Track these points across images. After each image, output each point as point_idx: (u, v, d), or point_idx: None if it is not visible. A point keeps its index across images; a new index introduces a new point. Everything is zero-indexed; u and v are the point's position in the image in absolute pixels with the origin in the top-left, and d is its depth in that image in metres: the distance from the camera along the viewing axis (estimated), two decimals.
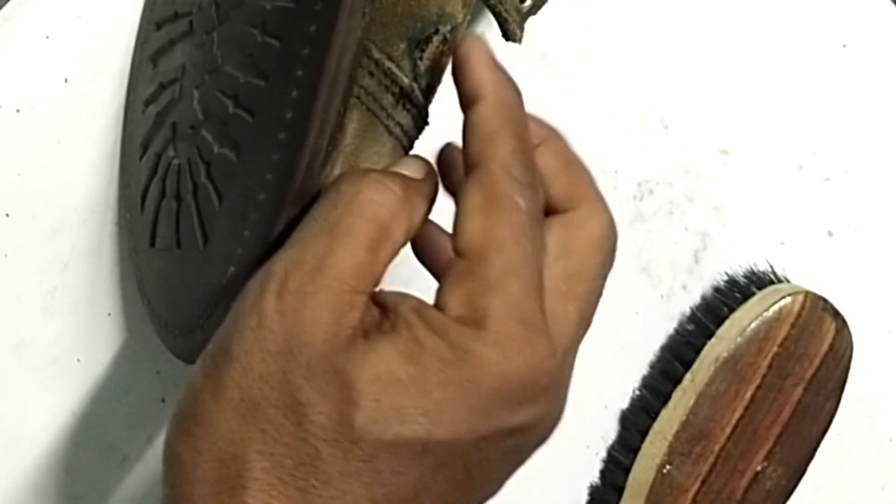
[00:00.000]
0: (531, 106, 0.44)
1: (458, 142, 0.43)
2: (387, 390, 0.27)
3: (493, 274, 0.28)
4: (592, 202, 0.32)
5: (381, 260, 0.28)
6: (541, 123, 0.33)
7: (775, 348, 0.44)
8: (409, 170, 0.31)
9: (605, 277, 0.33)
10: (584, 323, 0.31)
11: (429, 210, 0.31)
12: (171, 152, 0.35)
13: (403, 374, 0.27)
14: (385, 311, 0.28)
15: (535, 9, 0.37)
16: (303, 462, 0.27)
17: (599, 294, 0.32)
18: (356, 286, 0.28)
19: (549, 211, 0.32)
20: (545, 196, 0.31)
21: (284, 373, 0.27)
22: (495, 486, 0.30)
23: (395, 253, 0.29)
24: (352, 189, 0.29)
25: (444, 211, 0.32)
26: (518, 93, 0.32)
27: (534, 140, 0.32)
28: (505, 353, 0.27)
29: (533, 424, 0.29)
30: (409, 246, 0.32)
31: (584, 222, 0.32)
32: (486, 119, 0.30)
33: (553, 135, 0.33)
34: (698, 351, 0.44)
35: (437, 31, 0.34)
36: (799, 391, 0.44)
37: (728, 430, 0.44)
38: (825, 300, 0.44)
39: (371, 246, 0.28)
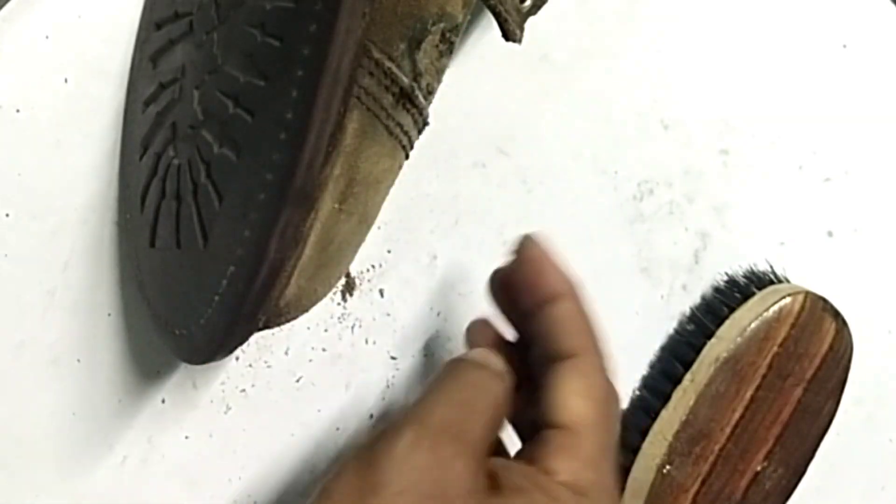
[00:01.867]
0: (531, 106, 0.44)
1: (459, 142, 0.43)
2: None
3: (592, 453, 0.33)
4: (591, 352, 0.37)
5: (494, 435, 0.33)
6: (565, 278, 0.37)
7: (775, 348, 0.44)
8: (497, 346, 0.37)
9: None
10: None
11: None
12: (171, 152, 0.35)
13: None
14: (494, 476, 0.32)
15: (535, 9, 0.37)
16: None
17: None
18: (483, 453, 0.32)
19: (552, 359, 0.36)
20: (553, 343, 0.36)
21: None
22: None
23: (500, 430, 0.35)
24: (479, 375, 0.34)
25: None
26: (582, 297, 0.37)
27: (555, 291, 0.37)
28: None
29: None
30: None
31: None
32: (575, 315, 0.36)
33: (571, 292, 0.37)
34: (698, 351, 0.44)
35: (437, 32, 0.34)
36: (799, 391, 0.44)
37: (728, 430, 0.44)
38: (825, 300, 0.44)
39: (494, 424, 0.33)
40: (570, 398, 0.34)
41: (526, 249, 0.37)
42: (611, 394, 0.35)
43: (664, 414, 0.44)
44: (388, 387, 0.43)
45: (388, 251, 0.43)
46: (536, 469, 0.33)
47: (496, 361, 0.35)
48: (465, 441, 0.32)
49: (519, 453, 0.35)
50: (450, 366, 0.35)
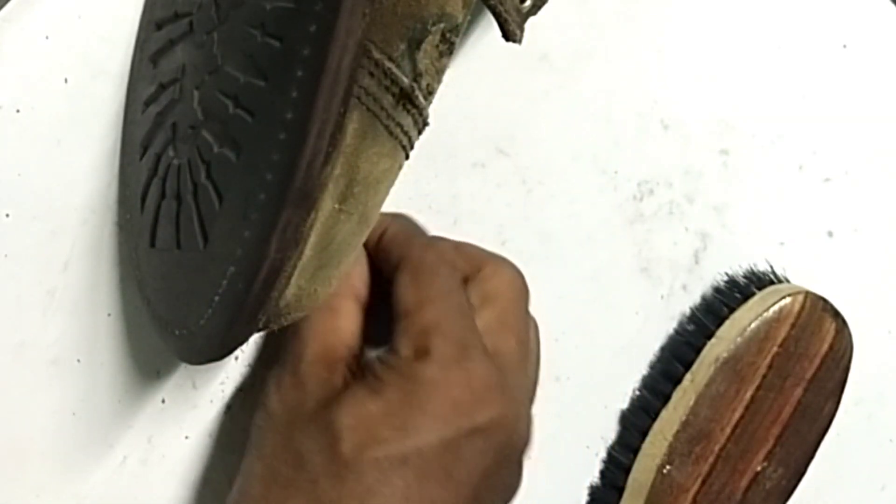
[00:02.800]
0: (531, 106, 0.44)
1: (459, 142, 0.43)
2: (362, 422, 0.34)
3: (429, 319, 0.36)
4: (491, 260, 0.40)
5: (340, 355, 0.37)
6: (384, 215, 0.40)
7: (775, 348, 0.44)
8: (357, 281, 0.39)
9: (526, 309, 0.40)
10: (524, 346, 0.39)
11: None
12: (171, 152, 0.35)
13: (373, 406, 0.34)
14: (357, 365, 0.36)
15: (535, 9, 0.37)
16: (309, 498, 0.33)
17: (528, 324, 0.40)
18: (331, 364, 0.36)
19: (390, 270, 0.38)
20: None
21: (289, 440, 0.35)
22: (483, 487, 0.36)
23: (353, 341, 0.38)
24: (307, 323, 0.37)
25: None
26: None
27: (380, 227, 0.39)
28: (448, 369, 0.35)
29: (493, 423, 0.35)
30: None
31: (492, 275, 0.39)
32: (394, 235, 0.39)
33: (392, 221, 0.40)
34: (698, 351, 0.44)
35: (437, 32, 0.34)
36: (799, 391, 0.44)
37: (728, 430, 0.44)
38: (825, 300, 0.44)
39: (327, 353, 0.37)
40: (402, 293, 0.37)
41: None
42: (445, 276, 0.37)
43: (664, 414, 0.44)
44: None
45: None
46: (385, 351, 0.36)
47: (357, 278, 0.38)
48: (307, 367, 0.36)
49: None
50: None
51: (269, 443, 0.35)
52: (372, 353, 0.37)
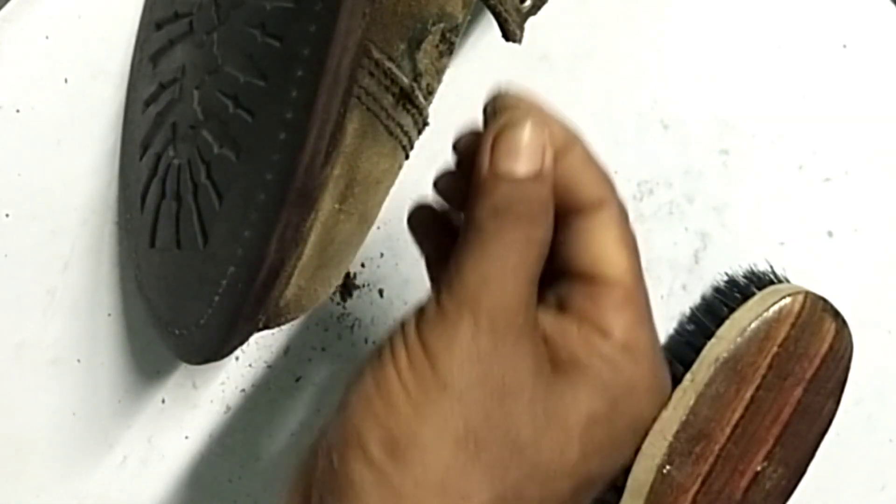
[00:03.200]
0: None
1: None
2: (592, 429, 0.30)
3: (641, 306, 0.32)
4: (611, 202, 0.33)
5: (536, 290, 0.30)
6: (566, 128, 0.34)
7: (775, 348, 0.44)
8: (531, 161, 0.31)
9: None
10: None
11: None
12: (171, 152, 0.35)
13: (600, 411, 0.30)
14: (549, 341, 0.30)
15: (535, 9, 0.37)
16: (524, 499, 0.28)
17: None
18: (535, 318, 0.30)
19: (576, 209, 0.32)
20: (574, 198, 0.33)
21: (507, 413, 0.28)
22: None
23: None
24: (516, 230, 0.30)
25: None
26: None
27: (562, 143, 0.33)
28: (652, 368, 0.32)
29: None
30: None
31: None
32: (589, 162, 0.33)
33: (578, 139, 0.34)
34: (698, 351, 0.44)
35: (437, 32, 0.34)
36: (799, 391, 0.44)
37: (728, 430, 0.44)
38: (825, 300, 0.44)
39: (535, 281, 0.30)
40: (613, 249, 0.31)
41: (515, 105, 0.32)
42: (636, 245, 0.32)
43: (664, 414, 0.44)
44: None
45: (388, 251, 0.43)
46: (589, 329, 0.30)
47: (541, 209, 0.31)
48: (523, 316, 0.29)
49: (560, 306, 0.31)
50: (484, 219, 0.29)
51: (478, 401, 0.28)
52: (556, 325, 0.31)
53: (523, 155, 0.30)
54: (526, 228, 0.29)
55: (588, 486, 0.31)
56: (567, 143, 0.32)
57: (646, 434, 0.34)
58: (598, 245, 0.31)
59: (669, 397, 0.44)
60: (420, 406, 0.28)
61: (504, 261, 0.29)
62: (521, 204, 0.30)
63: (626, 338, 0.31)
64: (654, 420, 0.35)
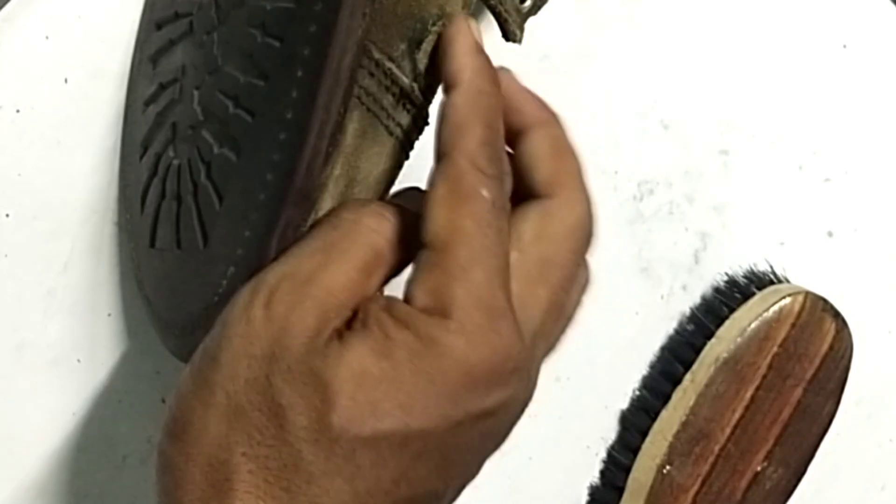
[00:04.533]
0: None
1: None
2: (361, 387, 0.28)
3: (457, 264, 0.29)
4: (572, 191, 0.32)
5: (372, 283, 0.30)
6: (542, 107, 0.33)
7: (775, 348, 0.44)
8: (410, 203, 0.32)
9: (578, 265, 0.33)
10: (557, 308, 0.32)
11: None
12: (171, 153, 0.35)
13: (376, 369, 0.28)
14: (356, 311, 0.29)
15: (535, 9, 0.37)
16: (286, 463, 0.28)
17: (574, 281, 0.33)
18: (344, 301, 0.29)
19: (530, 195, 0.32)
20: (529, 179, 0.32)
21: (267, 377, 0.28)
22: (474, 468, 0.31)
23: (388, 278, 0.31)
24: (351, 216, 0.30)
25: None
26: (495, 82, 0.32)
27: (529, 121, 0.33)
28: (471, 341, 0.28)
29: (503, 406, 0.30)
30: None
31: (559, 210, 0.32)
32: (457, 108, 0.31)
33: (549, 120, 0.33)
34: (698, 351, 0.44)
35: (437, 32, 0.34)
36: (799, 391, 0.44)
37: (728, 430, 0.44)
38: (825, 300, 0.44)
39: (364, 268, 0.30)
40: (433, 210, 0.30)
41: (444, 29, 0.32)
42: (490, 203, 0.30)
43: (664, 414, 0.44)
44: None
45: None
46: (394, 300, 0.30)
47: (410, 201, 0.31)
48: (318, 287, 0.28)
49: None
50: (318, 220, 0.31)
51: (243, 369, 0.28)
52: (373, 299, 0.30)
53: None
54: (351, 223, 0.30)
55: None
56: (534, 122, 0.33)
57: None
58: (429, 205, 0.30)
59: (669, 397, 0.44)
60: (195, 383, 0.29)
61: (330, 240, 0.30)
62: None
63: (432, 305, 0.29)
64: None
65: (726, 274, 0.47)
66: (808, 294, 0.44)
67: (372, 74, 0.32)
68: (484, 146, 0.31)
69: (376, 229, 0.30)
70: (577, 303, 0.34)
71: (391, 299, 0.30)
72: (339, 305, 0.29)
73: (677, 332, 0.46)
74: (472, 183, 0.30)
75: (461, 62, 0.31)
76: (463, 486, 0.31)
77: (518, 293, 0.30)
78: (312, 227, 0.31)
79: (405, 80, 0.33)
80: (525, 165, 0.33)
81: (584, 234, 0.33)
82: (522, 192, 0.32)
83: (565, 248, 0.32)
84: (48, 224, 0.39)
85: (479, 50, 0.32)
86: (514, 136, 0.33)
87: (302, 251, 0.30)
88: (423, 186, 0.43)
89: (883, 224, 0.49)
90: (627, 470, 0.45)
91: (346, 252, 0.29)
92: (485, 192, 0.30)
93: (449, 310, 0.29)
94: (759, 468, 0.44)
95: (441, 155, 0.31)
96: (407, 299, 0.30)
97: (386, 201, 0.32)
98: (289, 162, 0.29)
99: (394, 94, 0.33)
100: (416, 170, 0.42)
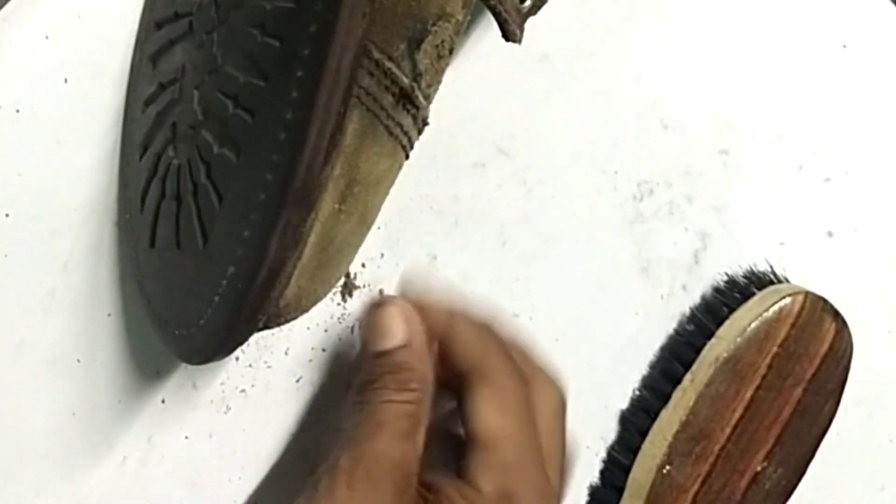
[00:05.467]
0: (531, 106, 0.44)
1: (459, 142, 0.43)
2: None
3: (513, 461, 0.36)
4: (539, 374, 0.40)
5: (418, 443, 0.36)
6: (446, 310, 0.39)
7: (775, 348, 0.44)
8: (399, 334, 0.37)
9: (563, 430, 0.41)
10: (556, 481, 0.39)
11: (429, 362, 0.38)
12: (170, 152, 0.35)
13: None
14: (430, 488, 0.35)
15: (535, 9, 0.37)
16: None
17: (563, 444, 0.41)
18: (406, 470, 0.35)
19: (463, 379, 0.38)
20: None
21: None
22: None
23: (424, 431, 0.36)
24: (383, 396, 0.36)
25: None
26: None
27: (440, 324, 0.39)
28: None
29: None
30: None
31: (539, 391, 0.39)
32: (467, 335, 0.38)
33: (458, 318, 0.39)
34: (698, 351, 0.44)
35: (437, 32, 0.34)
36: (799, 391, 0.44)
37: (728, 430, 0.44)
38: (825, 300, 0.44)
39: (409, 436, 0.35)
40: (483, 412, 0.37)
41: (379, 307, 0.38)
42: (522, 402, 0.38)
43: (664, 414, 0.44)
44: None
45: (388, 251, 0.43)
46: (464, 484, 0.36)
47: (408, 375, 0.37)
48: (384, 464, 0.34)
49: (458, 465, 0.38)
50: (361, 393, 0.36)
51: None
52: (442, 480, 0.36)
53: (384, 334, 0.37)
54: (393, 394, 0.36)
55: None
56: (445, 325, 0.38)
57: None
58: (477, 412, 0.37)
59: (669, 397, 0.44)
60: None
61: (375, 421, 0.35)
62: (387, 373, 0.36)
63: (498, 489, 0.36)
64: None
65: (726, 274, 0.47)
66: (808, 294, 0.44)
67: (372, 74, 0.32)
68: (507, 358, 0.38)
69: (408, 400, 0.36)
70: (567, 467, 0.42)
71: (463, 484, 0.36)
72: (404, 476, 0.34)
73: (677, 332, 0.46)
74: (511, 391, 0.38)
75: (438, 311, 0.39)
76: None
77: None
78: (358, 395, 0.36)
79: (405, 80, 0.33)
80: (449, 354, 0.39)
81: (563, 404, 0.41)
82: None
83: (553, 427, 0.40)
84: (48, 224, 0.39)
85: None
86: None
87: (359, 435, 0.35)
88: (426, 187, 0.43)
89: (883, 224, 0.49)
90: (627, 470, 0.45)
91: (393, 429, 0.35)
92: (520, 396, 0.38)
93: (513, 497, 0.36)
94: (759, 468, 0.44)
95: (476, 368, 0.38)
96: (474, 486, 0.36)
97: (407, 368, 0.37)
98: (289, 162, 0.29)
99: (394, 95, 0.33)
100: (417, 170, 0.42)
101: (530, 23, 0.37)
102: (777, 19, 0.47)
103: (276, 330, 0.40)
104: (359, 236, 0.36)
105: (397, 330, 0.37)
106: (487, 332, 0.39)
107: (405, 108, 0.34)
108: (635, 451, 0.45)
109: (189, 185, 0.33)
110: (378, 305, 0.38)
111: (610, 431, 0.46)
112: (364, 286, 0.42)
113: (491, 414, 0.37)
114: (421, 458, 0.36)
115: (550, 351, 0.45)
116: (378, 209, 0.36)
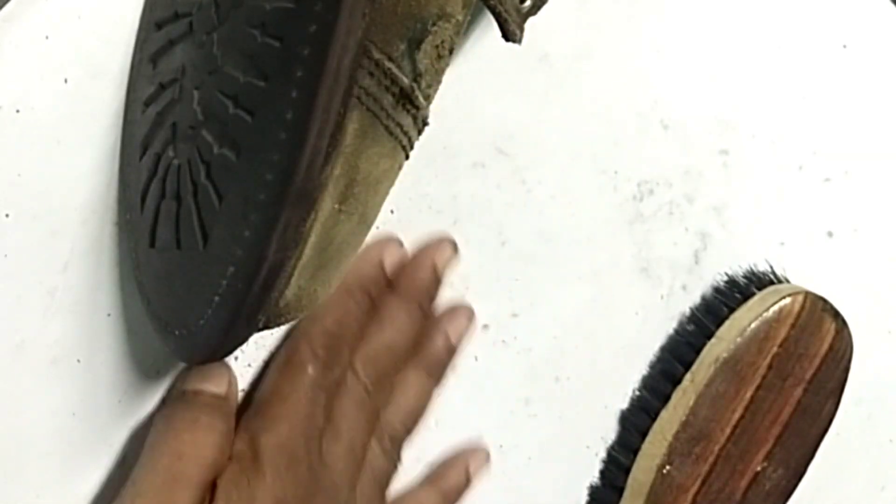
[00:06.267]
0: (531, 106, 0.44)
1: (459, 142, 0.43)
2: None
3: (269, 417, 0.37)
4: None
5: (221, 458, 0.36)
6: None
7: (775, 348, 0.44)
8: (216, 386, 0.38)
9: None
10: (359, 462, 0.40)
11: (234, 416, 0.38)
12: (170, 153, 0.35)
13: None
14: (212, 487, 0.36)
15: (535, 9, 0.37)
16: None
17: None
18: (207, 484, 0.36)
19: None
20: None
21: None
22: None
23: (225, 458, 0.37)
24: (173, 447, 0.36)
25: None
26: (366, 297, 0.40)
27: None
28: (276, 480, 0.36)
29: None
30: None
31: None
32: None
33: None
34: (698, 351, 0.44)
35: (437, 32, 0.34)
36: (799, 391, 0.44)
37: (728, 430, 0.44)
38: (825, 300, 0.44)
39: (206, 481, 0.36)
40: (267, 374, 0.39)
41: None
42: (318, 371, 0.38)
43: (664, 414, 0.44)
44: None
45: None
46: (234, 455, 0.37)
47: (217, 383, 0.38)
48: (183, 489, 0.35)
49: None
50: (160, 417, 0.38)
51: None
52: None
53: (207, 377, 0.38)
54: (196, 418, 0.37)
55: None
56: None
57: None
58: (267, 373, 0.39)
59: (669, 397, 0.44)
60: None
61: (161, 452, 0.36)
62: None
63: (246, 447, 0.37)
64: None
65: (726, 274, 0.47)
66: (808, 294, 0.44)
67: (372, 74, 0.32)
68: (323, 335, 0.39)
69: (206, 445, 0.36)
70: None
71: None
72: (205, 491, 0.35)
73: (677, 332, 0.46)
74: (301, 359, 0.38)
75: (352, 270, 0.39)
76: None
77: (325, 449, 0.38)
78: (157, 421, 0.38)
79: (405, 81, 0.33)
80: None
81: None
82: None
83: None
84: (48, 224, 0.39)
85: (378, 265, 0.40)
86: None
87: (152, 466, 0.36)
88: (426, 187, 0.43)
89: (883, 224, 0.49)
90: (627, 470, 0.45)
91: (189, 482, 0.36)
92: (310, 369, 0.38)
93: (259, 454, 0.36)
94: (759, 468, 0.44)
95: (294, 334, 0.39)
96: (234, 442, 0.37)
97: (201, 406, 0.38)
98: (289, 162, 0.29)
99: (394, 95, 0.33)
100: (416, 170, 0.42)
101: (530, 23, 0.37)
102: (777, 19, 0.47)
103: (275, 330, 0.41)
104: (359, 236, 0.36)
105: (220, 381, 0.38)
106: (346, 310, 0.39)
107: (405, 109, 0.34)
108: (635, 451, 0.45)
109: (189, 185, 0.33)
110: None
111: (610, 431, 0.46)
112: None
113: (274, 372, 0.38)
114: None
115: (550, 351, 0.45)
116: (378, 209, 0.36)
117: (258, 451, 0.37)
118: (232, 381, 0.39)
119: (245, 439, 0.37)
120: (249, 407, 0.38)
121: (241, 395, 0.41)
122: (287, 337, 0.40)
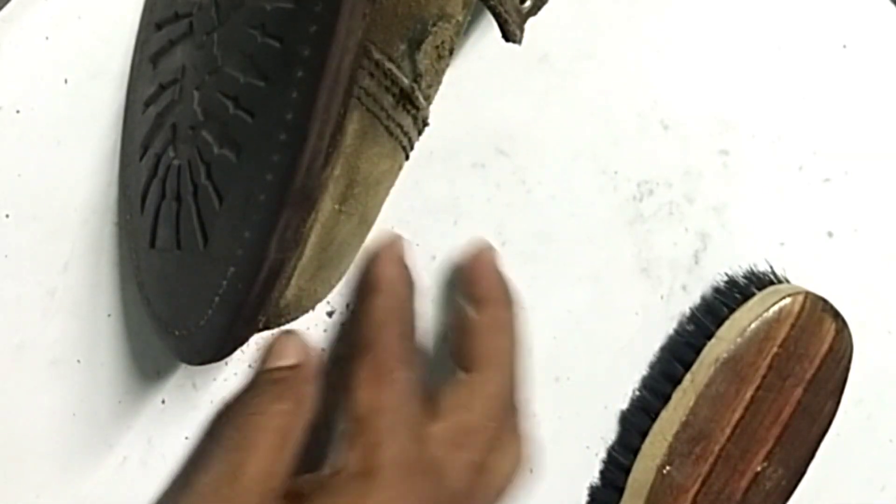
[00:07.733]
0: (531, 106, 0.44)
1: (458, 142, 0.43)
2: None
3: (380, 432, 0.35)
4: (494, 368, 0.38)
5: (285, 458, 0.34)
6: (497, 287, 0.40)
7: (775, 349, 0.44)
8: (292, 356, 0.36)
9: (501, 431, 0.38)
10: (478, 469, 0.37)
11: (314, 386, 0.36)
12: (171, 153, 0.35)
13: None
14: (293, 496, 0.34)
15: (535, 9, 0.37)
16: None
17: (496, 446, 0.38)
18: (268, 485, 0.33)
19: (462, 367, 0.38)
20: (461, 354, 0.39)
21: None
22: None
23: (298, 442, 0.35)
24: (251, 409, 0.34)
25: None
26: (410, 286, 0.39)
27: (481, 297, 0.39)
28: (395, 495, 0.34)
29: None
30: None
31: (478, 383, 0.38)
32: (378, 308, 0.37)
33: (498, 300, 0.40)
34: (698, 351, 0.44)
35: (437, 32, 0.34)
36: (799, 391, 0.44)
37: (728, 430, 0.44)
38: (825, 300, 0.44)
39: (276, 450, 0.33)
40: (357, 391, 0.36)
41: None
42: (406, 374, 0.36)
43: (664, 414, 0.44)
44: None
45: None
46: (325, 470, 0.35)
47: (292, 353, 0.36)
48: (244, 483, 0.33)
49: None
50: (223, 416, 0.35)
51: None
52: (305, 479, 0.35)
53: (274, 354, 0.36)
54: (264, 405, 0.34)
55: None
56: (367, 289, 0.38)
57: None
58: (350, 384, 0.36)
59: (669, 397, 0.44)
60: None
61: (240, 436, 0.34)
62: (262, 386, 0.35)
63: (360, 467, 0.34)
64: None
65: (726, 274, 0.47)
66: (808, 294, 0.44)
67: (372, 75, 0.32)
68: (401, 339, 0.37)
69: (277, 411, 0.34)
70: (509, 471, 0.39)
71: (324, 477, 0.35)
72: (262, 492, 0.33)
73: (677, 332, 0.46)
74: (390, 368, 0.36)
75: (383, 271, 0.38)
76: None
77: (440, 457, 0.36)
78: (220, 419, 0.35)
79: (405, 81, 0.33)
80: (460, 341, 0.39)
81: (502, 405, 0.38)
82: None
83: (482, 416, 0.37)
84: (48, 224, 0.39)
85: (400, 261, 0.39)
86: (474, 305, 0.39)
87: (215, 462, 0.33)
88: (426, 188, 0.43)
89: (883, 224, 0.49)
90: (627, 470, 0.45)
91: (260, 450, 0.33)
92: (401, 375, 0.36)
93: (375, 471, 0.34)
94: (759, 468, 0.44)
95: (363, 347, 0.36)
96: (337, 469, 0.34)
97: (274, 377, 0.36)
98: (289, 163, 0.29)
99: (394, 95, 0.33)
100: (416, 170, 0.42)
101: (530, 23, 0.37)
102: (777, 19, 0.47)
103: (276, 330, 0.41)
104: (359, 236, 0.36)
105: (290, 353, 0.36)
106: (405, 309, 0.38)
107: (405, 109, 0.34)
108: (635, 451, 0.45)
109: (189, 185, 0.33)
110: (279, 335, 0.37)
111: (610, 431, 0.46)
112: None
113: (367, 390, 0.35)
114: (293, 469, 0.34)
115: (550, 351, 0.45)
116: (378, 209, 0.36)
117: (374, 467, 0.34)
118: (303, 349, 0.37)
119: (355, 458, 0.34)
120: (347, 427, 0.36)
121: None
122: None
